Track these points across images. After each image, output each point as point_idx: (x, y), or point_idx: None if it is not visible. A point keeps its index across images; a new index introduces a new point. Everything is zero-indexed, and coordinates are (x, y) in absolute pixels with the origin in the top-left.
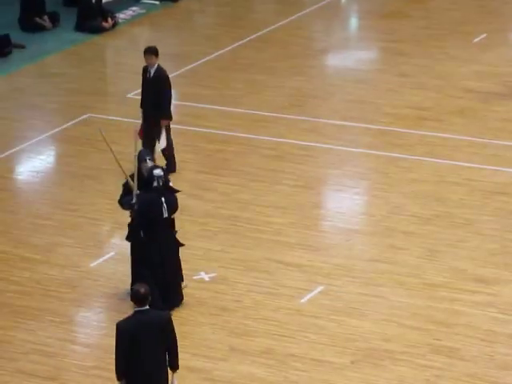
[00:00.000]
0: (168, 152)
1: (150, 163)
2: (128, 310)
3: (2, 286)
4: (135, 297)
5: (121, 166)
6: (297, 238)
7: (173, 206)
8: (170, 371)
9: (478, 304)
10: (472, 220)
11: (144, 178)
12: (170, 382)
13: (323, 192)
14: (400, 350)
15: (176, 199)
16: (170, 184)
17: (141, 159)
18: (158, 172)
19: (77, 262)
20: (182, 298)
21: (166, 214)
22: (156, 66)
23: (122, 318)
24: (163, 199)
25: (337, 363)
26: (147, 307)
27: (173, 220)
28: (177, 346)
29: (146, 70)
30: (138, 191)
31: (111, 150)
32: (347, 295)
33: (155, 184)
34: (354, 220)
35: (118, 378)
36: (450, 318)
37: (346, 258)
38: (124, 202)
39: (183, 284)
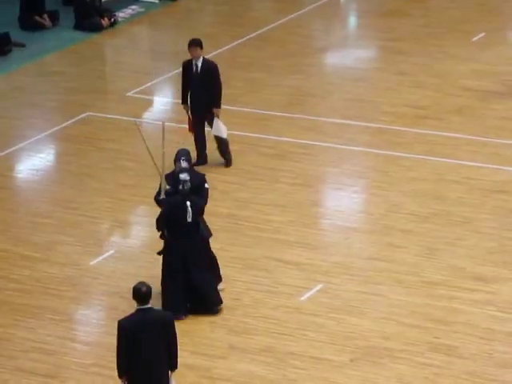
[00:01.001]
0: (202, 145)
1: (183, 164)
2: (128, 308)
3: (2, 283)
4: (137, 295)
5: (155, 163)
6: (296, 236)
7: (196, 211)
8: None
9: (476, 302)
10: (471, 218)
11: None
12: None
13: (322, 190)
14: (399, 348)
15: (201, 203)
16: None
17: (176, 158)
18: (183, 176)
19: (76, 260)
20: (219, 303)
21: (189, 219)
22: (201, 58)
23: (122, 316)
24: (188, 203)
25: (336, 361)
26: (149, 306)
27: (198, 224)
28: (177, 346)
29: (189, 65)
30: (168, 187)
31: (145, 143)
32: (346, 293)
33: (180, 187)
34: (353, 218)
35: (120, 376)
36: (448, 316)
37: (345, 256)
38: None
39: (220, 286)
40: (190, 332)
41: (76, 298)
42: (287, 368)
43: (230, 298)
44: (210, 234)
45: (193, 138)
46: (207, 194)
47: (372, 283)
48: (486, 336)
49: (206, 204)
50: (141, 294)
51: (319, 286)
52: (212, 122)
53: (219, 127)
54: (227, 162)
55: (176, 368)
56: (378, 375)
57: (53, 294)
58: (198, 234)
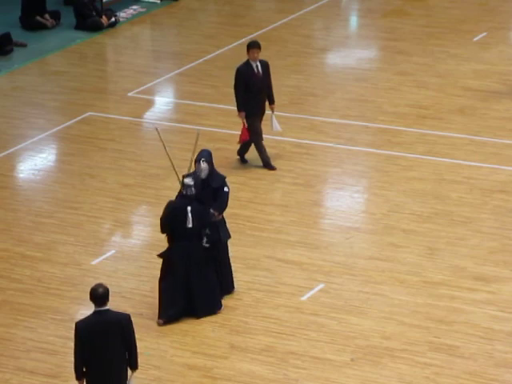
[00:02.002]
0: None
1: (203, 165)
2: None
3: (3, 283)
4: (93, 296)
5: (174, 169)
6: (297, 236)
7: (201, 218)
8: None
9: (477, 302)
10: (471, 218)
11: (201, 179)
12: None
13: (323, 190)
14: (400, 347)
15: (206, 212)
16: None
17: (197, 159)
18: (187, 181)
19: (78, 260)
20: (215, 309)
21: (189, 225)
22: (258, 59)
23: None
24: (189, 208)
25: (337, 361)
26: (106, 307)
27: (200, 230)
28: (136, 347)
29: (248, 68)
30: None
31: (166, 150)
32: (347, 293)
33: (184, 192)
34: (354, 218)
35: (77, 378)
36: (449, 316)
37: (346, 256)
38: None
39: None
40: (191, 332)
41: (77, 297)
42: (288, 368)
43: (231, 298)
44: (229, 236)
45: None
46: (226, 197)
47: (373, 283)
48: (487, 336)
49: (225, 207)
50: (97, 295)
51: (320, 286)
52: (273, 121)
53: (277, 123)
54: (243, 160)
55: (136, 368)
56: (378, 375)
57: (54, 293)
58: (201, 241)
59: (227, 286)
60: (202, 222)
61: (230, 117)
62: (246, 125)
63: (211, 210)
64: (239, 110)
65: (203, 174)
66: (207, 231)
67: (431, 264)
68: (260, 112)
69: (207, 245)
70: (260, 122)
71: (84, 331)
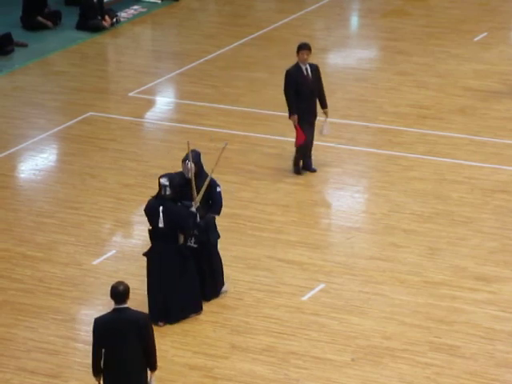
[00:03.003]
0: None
1: (188, 166)
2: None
3: (4, 283)
4: (113, 294)
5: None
6: (298, 236)
7: (172, 218)
8: (149, 372)
9: (478, 302)
10: (472, 218)
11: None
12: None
13: (324, 190)
14: (400, 347)
15: (183, 213)
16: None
17: (183, 159)
18: (163, 181)
19: (79, 260)
20: (189, 313)
21: (161, 224)
22: (307, 62)
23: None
24: (161, 208)
25: (337, 361)
26: (126, 305)
27: (174, 231)
28: (154, 347)
29: (298, 71)
30: (198, 203)
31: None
32: (348, 293)
33: (161, 192)
34: (355, 218)
35: (94, 374)
36: (450, 316)
37: (347, 255)
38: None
39: (224, 288)
40: (192, 332)
41: (78, 297)
42: (289, 368)
43: (232, 298)
44: (218, 237)
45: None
46: (220, 197)
47: (374, 283)
48: (488, 336)
49: (220, 208)
50: (117, 293)
51: (321, 286)
52: (314, 124)
53: (328, 128)
54: (300, 169)
55: (155, 369)
56: (379, 375)
57: (55, 293)
58: (176, 242)
59: (215, 287)
60: (175, 222)
61: (230, 117)
62: (299, 125)
63: (210, 215)
64: (291, 113)
65: (189, 174)
66: (195, 232)
67: (432, 264)
68: (311, 116)
69: (195, 245)
70: (311, 126)
71: (101, 328)
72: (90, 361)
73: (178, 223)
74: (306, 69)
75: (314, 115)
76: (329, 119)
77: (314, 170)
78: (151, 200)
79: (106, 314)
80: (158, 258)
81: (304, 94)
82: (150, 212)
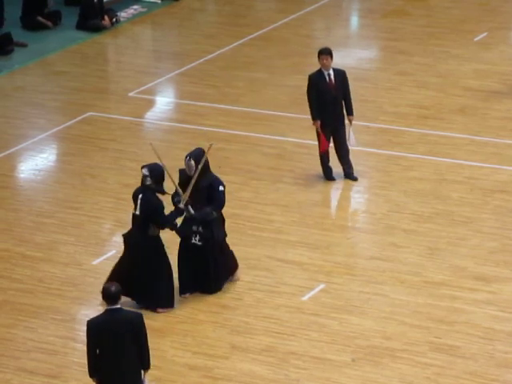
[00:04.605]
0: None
1: (189, 162)
2: (128, 308)
3: (4, 283)
4: (105, 295)
5: (170, 176)
6: (298, 236)
7: (144, 207)
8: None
9: (478, 302)
10: (472, 218)
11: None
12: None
13: (324, 190)
14: (400, 347)
15: (154, 203)
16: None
17: (186, 155)
18: (143, 171)
19: (79, 260)
20: (154, 304)
21: (137, 212)
22: (331, 67)
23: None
24: (140, 196)
25: (337, 361)
26: (118, 306)
27: (146, 221)
28: (147, 346)
29: (320, 76)
30: (187, 199)
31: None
32: (348, 293)
33: (142, 182)
34: (355, 218)
35: (90, 375)
36: (450, 316)
37: (347, 256)
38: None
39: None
40: (192, 332)
41: (78, 297)
42: (289, 368)
43: (232, 298)
44: (225, 235)
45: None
46: (221, 195)
47: (374, 283)
48: (488, 336)
49: (223, 204)
50: (109, 293)
51: (321, 286)
52: (341, 130)
53: (352, 136)
54: (352, 177)
55: (148, 368)
56: (379, 375)
57: (55, 293)
58: (146, 232)
59: (219, 283)
60: (148, 212)
61: (230, 117)
62: (323, 131)
63: (207, 209)
64: (313, 118)
65: (189, 171)
66: (200, 229)
67: (432, 264)
68: (335, 122)
69: (199, 243)
70: (337, 133)
71: (95, 329)
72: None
73: (151, 215)
74: (329, 74)
75: (339, 121)
76: (309, 117)
77: (354, 179)
78: (137, 188)
79: (99, 315)
80: (130, 242)
81: (326, 100)
82: (133, 197)
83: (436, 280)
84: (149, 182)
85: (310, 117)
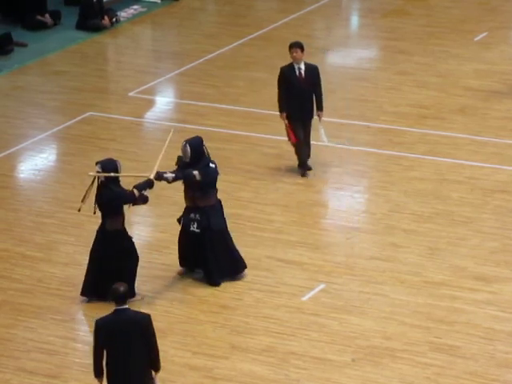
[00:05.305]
0: (306, 151)
1: (185, 148)
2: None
3: (4, 283)
4: (113, 295)
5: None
6: (298, 236)
7: (101, 201)
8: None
9: (478, 302)
10: (472, 218)
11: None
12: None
13: (324, 190)
14: (401, 347)
15: (107, 196)
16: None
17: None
18: (96, 167)
19: (78, 260)
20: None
21: (94, 207)
22: (303, 61)
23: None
24: (96, 192)
25: (337, 361)
26: (126, 306)
27: (102, 215)
28: (156, 348)
29: (290, 70)
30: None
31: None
32: (348, 293)
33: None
34: (355, 218)
35: (96, 376)
36: (450, 316)
37: (347, 256)
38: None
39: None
40: (192, 332)
41: (78, 297)
42: (289, 368)
43: (232, 298)
44: (223, 224)
45: (293, 147)
46: (208, 168)
47: (374, 283)
48: (488, 336)
49: (208, 174)
50: (117, 294)
51: (321, 286)
52: (309, 125)
53: (323, 134)
54: (306, 168)
55: (158, 369)
56: (379, 375)
57: (54, 293)
58: (105, 226)
59: (227, 271)
60: (109, 204)
61: (230, 117)
62: (291, 125)
63: (194, 171)
64: (280, 111)
65: (185, 157)
66: (197, 216)
67: (432, 264)
68: (302, 116)
69: (197, 230)
70: (305, 127)
71: (103, 329)
72: (89, 361)
73: (114, 204)
74: (299, 68)
75: (308, 115)
76: (329, 119)
77: (308, 168)
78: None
79: (107, 315)
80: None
81: (294, 94)
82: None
83: (436, 280)
84: (102, 178)
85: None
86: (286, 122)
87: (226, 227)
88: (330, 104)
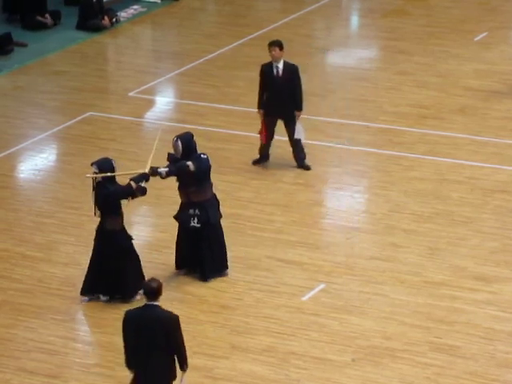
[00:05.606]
0: (268, 145)
1: (175, 143)
2: (129, 307)
3: (4, 283)
4: (145, 290)
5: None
6: (298, 236)
7: (100, 201)
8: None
9: (478, 302)
10: (472, 218)
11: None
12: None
13: (324, 190)
14: (401, 347)
15: (103, 194)
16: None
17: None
18: (93, 168)
19: (78, 260)
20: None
21: (94, 208)
22: (282, 60)
23: (123, 316)
24: (93, 193)
25: (338, 361)
26: (156, 303)
27: (101, 215)
28: (181, 347)
29: (269, 68)
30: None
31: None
32: (348, 293)
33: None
34: (355, 218)
35: (127, 366)
36: (450, 316)
37: (347, 256)
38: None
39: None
40: (192, 332)
41: (78, 297)
42: (289, 368)
43: (232, 298)
44: (220, 216)
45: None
46: (200, 159)
47: (374, 283)
48: (488, 336)
49: (201, 164)
50: (149, 289)
51: (321, 286)
52: (290, 125)
53: (300, 130)
54: (304, 167)
55: (184, 369)
56: (379, 375)
57: (55, 293)
58: (102, 224)
59: (217, 267)
60: (106, 202)
61: (230, 117)
62: (263, 123)
63: (187, 162)
64: (257, 107)
65: (177, 153)
66: (196, 211)
67: (432, 264)
68: (279, 115)
69: (198, 225)
70: (286, 127)
71: (130, 321)
72: (89, 361)
73: (111, 200)
74: (277, 67)
75: (286, 115)
76: (329, 119)
77: (306, 167)
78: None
79: (136, 308)
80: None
81: (271, 92)
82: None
83: (436, 280)
84: (99, 178)
85: (309, 116)
86: (262, 119)
87: (220, 221)
88: (330, 104)
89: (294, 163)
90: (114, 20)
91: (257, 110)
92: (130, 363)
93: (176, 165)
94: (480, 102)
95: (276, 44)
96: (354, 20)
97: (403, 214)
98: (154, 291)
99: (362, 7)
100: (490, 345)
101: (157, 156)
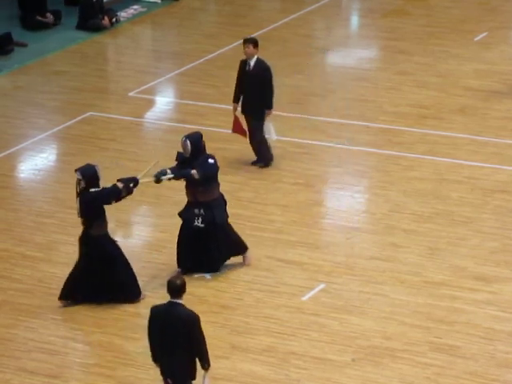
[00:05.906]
0: (263, 145)
1: (184, 143)
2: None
3: (4, 283)
4: (169, 287)
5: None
6: (298, 236)
7: (84, 207)
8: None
9: (478, 302)
10: (472, 218)
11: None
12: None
13: (324, 190)
14: (401, 347)
15: (85, 200)
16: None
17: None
18: (76, 174)
19: None
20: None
21: (79, 216)
22: (255, 57)
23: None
24: (78, 200)
25: (338, 361)
26: (179, 301)
27: (85, 221)
28: (204, 347)
29: (244, 63)
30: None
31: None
32: (348, 293)
33: (77, 187)
34: (355, 218)
35: (153, 360)
36: (450, 316)
37: (347, 256)
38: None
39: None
40: None
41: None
42: (289, 368)
43: (232, 298)
44: (227, 217)
45: (247, 140)
46: (209, 165)
47: (374, 283)
48: (488, 336)
49: (207, 170)
50: (173, 286)
51: (321, 286)
52: (268, 128)
53: (270, 129)
54: (265, 162)
55: (205, 368)
56: (379, 375)
57: (55, 293)
58: (89, 231)
59: (215, 263)
60: (91, 208)
61: (230, 117)
62: (238, 116)
63: (192, 171)
64: (233, 100)
65: (185, 152)
66: (201, 211)
67: (432, 264)
68: (247, 111)
69: (202, 225)
70: (248, 123)
71: (153, 316)
72: (89, 361)
73: (98, 203)
74: (249, 64)
75: (252, 112)
76: (329, 119)
77: (265, 163)
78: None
79: (161, 304)
80: (81, 244)
81: (243, 88)
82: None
83: (436, 280)
84: (83, 185)
85: (309, 116)
86: (233, 113)
87: (227, 220)
88: (330, 104)
89: (294, 163)
90: (114, 20)
91: (232, 104)
92: (156, 358)
93: (180, 172)
94: (480, 101)
95: (250, 41)
96: (354, 20)
97: (403, 213)
98: (177, 288)
99: (361, 7)
100: (490, 345)
101: (157, 156)
